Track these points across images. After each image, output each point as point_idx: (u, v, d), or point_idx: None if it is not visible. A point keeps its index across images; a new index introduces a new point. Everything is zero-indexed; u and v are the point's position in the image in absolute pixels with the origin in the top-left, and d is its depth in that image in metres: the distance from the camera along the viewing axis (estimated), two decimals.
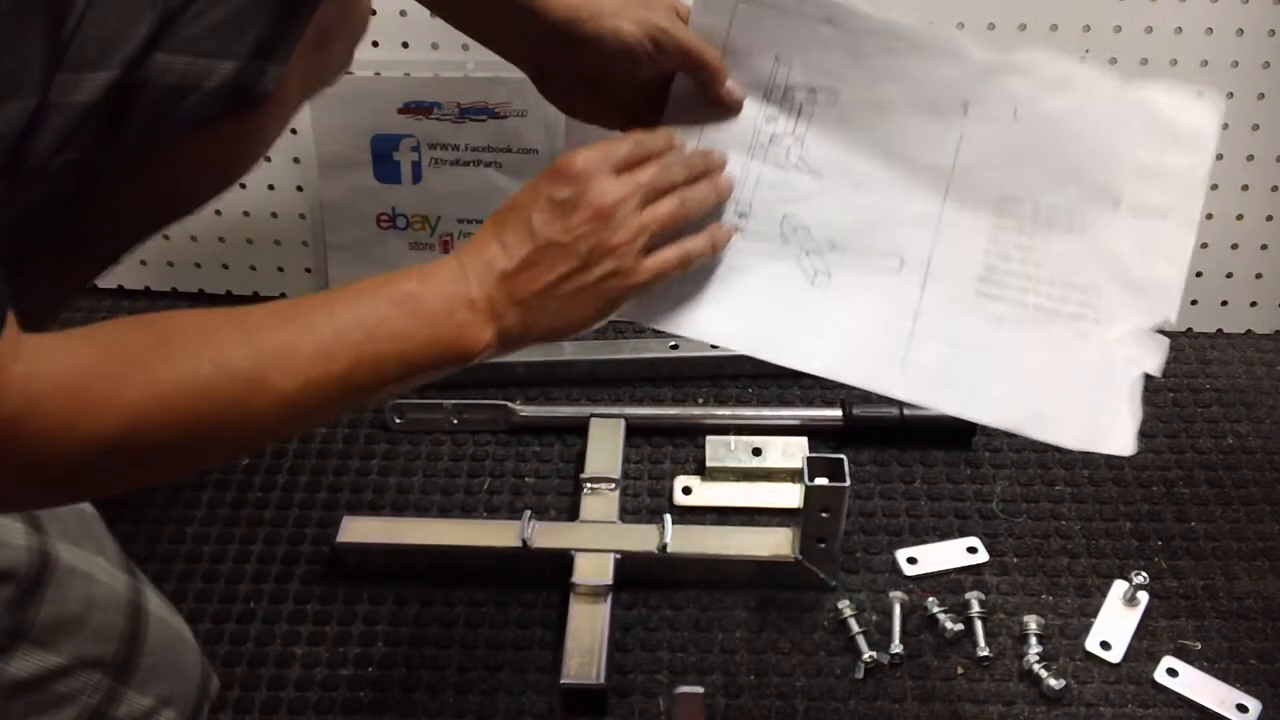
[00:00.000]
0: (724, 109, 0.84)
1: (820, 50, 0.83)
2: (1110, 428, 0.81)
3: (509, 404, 1.18)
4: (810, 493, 0.95)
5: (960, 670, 0.97)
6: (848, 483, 0.94)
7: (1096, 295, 0.82)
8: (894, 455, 1.15)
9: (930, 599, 1.01)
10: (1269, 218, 1.24)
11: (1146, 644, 0.98)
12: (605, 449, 1.13)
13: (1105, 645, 0.98)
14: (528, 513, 1.04)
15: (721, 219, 0.83)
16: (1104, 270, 0.82)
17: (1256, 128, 1.20)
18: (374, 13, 1.19)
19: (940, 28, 0.83)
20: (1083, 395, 0.81)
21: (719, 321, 0.83)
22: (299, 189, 1.29)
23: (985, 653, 0.97)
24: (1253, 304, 1.29)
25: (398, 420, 1.18)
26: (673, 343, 1.25)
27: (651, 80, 0.83)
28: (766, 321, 0.83)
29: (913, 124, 0.83)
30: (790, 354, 0.83)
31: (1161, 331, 0.82)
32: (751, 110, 0.84)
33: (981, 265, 0.83)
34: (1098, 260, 0.82)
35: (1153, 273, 0.82)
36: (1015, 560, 1.05)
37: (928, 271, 0.83)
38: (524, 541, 1.02)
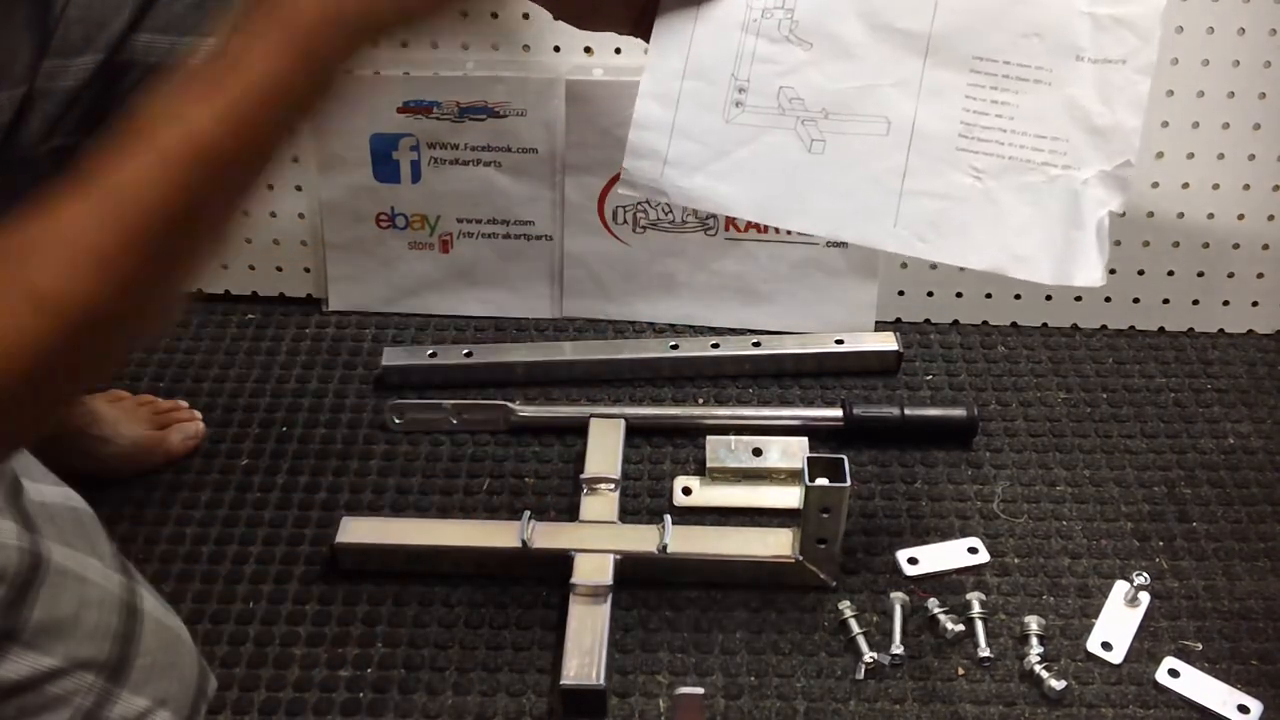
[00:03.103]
0: None
1: None
2: (1081, 263, 0.89)
3: (509, 404, 1.17)
4: (810, 493, 0.94)
5: (961, 671, 0.96)
6: (848, 483, 0.94)
7: (1064, 143, 0.89)
8: (894, 455, 1.15)
9: (931, 600, 1.00)
10: (1270, 217, 1.24)
11: (1148, 645, 0.98)
12: (605, 449, 1.13)
13: (1106, 646, 0.98)
14: (527, 513, 1.03)
15: (724, 94, 0.90)
16: (1070, 119, 0.89)
17: (1258, 127, 1.19)
18: None
19: None
20: (1056, 235, 0.89)
21: (726, 192, 0.90)
22: (298, 188, 1.29)
23: (986, 653, 0.97)
24: (1254, 304, 1.29)
25: (397, 420, 1.18)
26: (673, 343, 1.24)
27: None
28: (769, 189, 0.90)
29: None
30: (792, 218, 0.91)
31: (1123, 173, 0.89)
32: None
33: (960, 122, 0.90)
34: (1064, 110, 0.89)
35: (1114, 118, 0.89)
36: (1016, 561, 1.05)
37: (913, 132, 0.90)
38: (524, 542, 1.01)
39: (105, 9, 0.67)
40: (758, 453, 1.12)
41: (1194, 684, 0.95)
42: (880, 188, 0.90)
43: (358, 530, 1.04)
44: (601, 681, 0.92)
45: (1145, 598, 1.01)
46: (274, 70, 0.60)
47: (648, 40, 0.92)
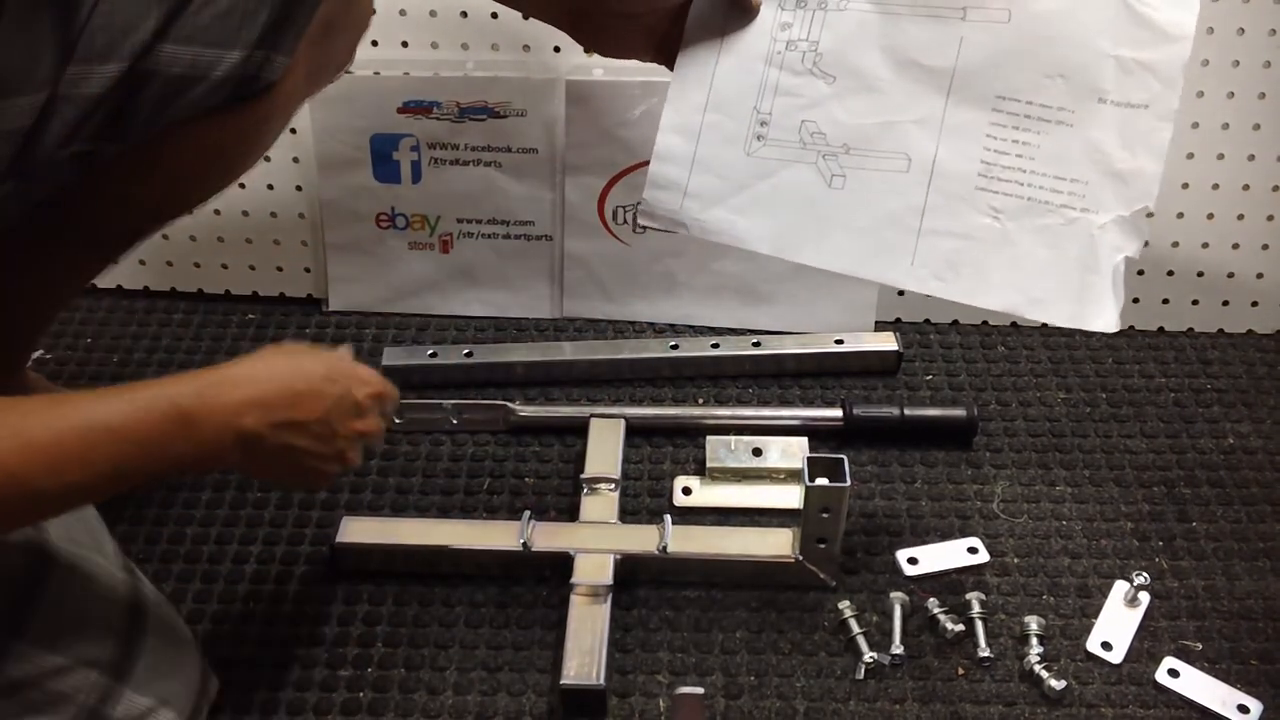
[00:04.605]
0: (745, 14, 0.90)
1: None
2: (1096, 308, 0.90)
3: (509, 404, 1.17)
4: (810, 493, 0.94)
5: (961, 671, 0.96)
6: (848, 483, 0.94)
7: (1084, 185, 0.89)
8: (894, 455, 1.15)
9: (931, 599, 1.00)
10: (1270, 217, 1.24)
11: (1148, 644, 0.98)
12: (605, 449, 1.13)
13: (1106, 646, 0.98)
14: (527, 513, 1.03)
15: (746, 128, 0.90)
16: (1090, 162, 0.89)
17: (1257, 127, 1.20)
18: (374, 11, 1.20)
19: None
20: (1072, 279, 0.89)
21: (745, 226, 0.91)
22: (298, 188, 1.29)
23: (986, 653, 0.97)
24: (1254, 304, 1.29)
25: (397, 420, 1.18)
26: (673, 343, 1.24)
27: (680, 5, 0.90)
28: (788, 224, 0.91)
29: (916, 29, 0.89)
30: (809, 255, 0.91)
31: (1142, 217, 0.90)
32: (768, 19, 0.90)
33: (980, 161, 0.89)
34: (1085, 152, 0.89)
35: (1134, 163, 0.89)
36: (1016, 561, 1.05)
37: (933, 170, 0.90)
38: (524, 542, 1.01)
39: (130, 17, 0.67)
40: (758, 453, 1.12)
41: (1194, 684, 0.95)
42: (899, 226, 0.90)
43: (358, 530, 1.04)
44: (601, 681, 0.92)
45: (1145, 598, 1.01)
46: (127, 442, 0.67)
47: (670, 67, 0.92)
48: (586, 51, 0.98)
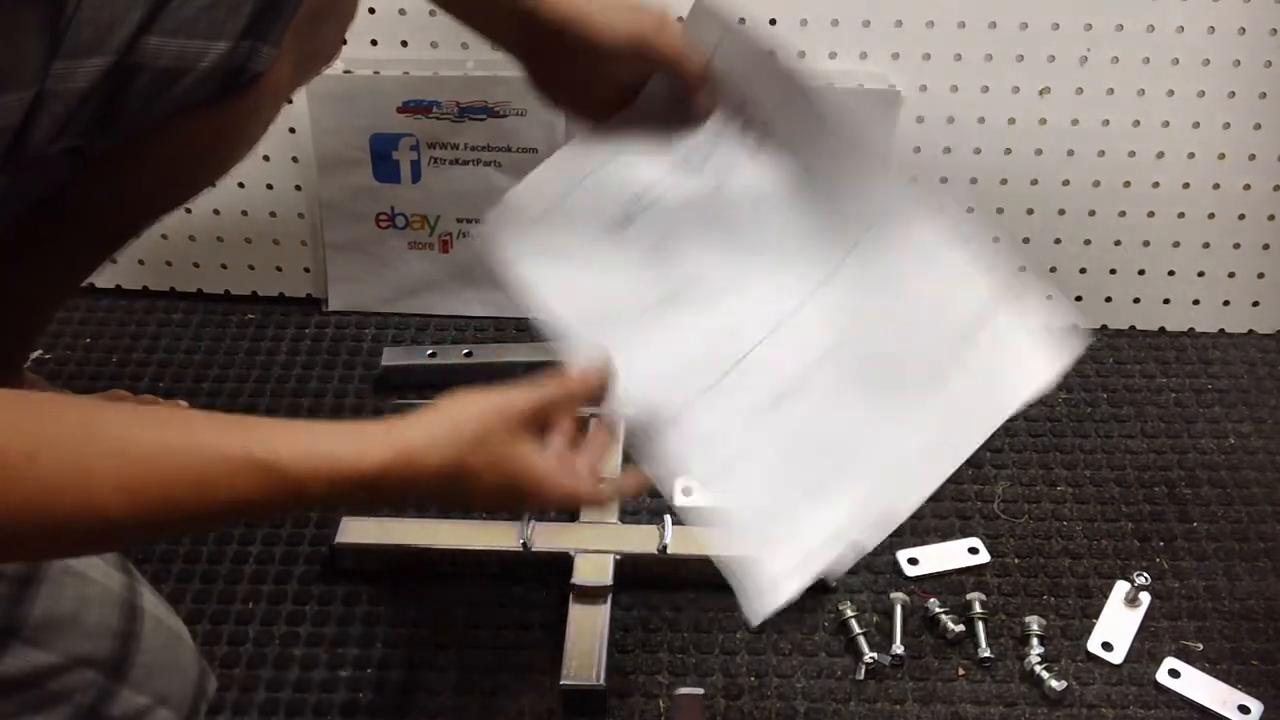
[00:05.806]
0: (692, 118, 0.85)
1: (784, 112, 0.83)
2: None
3: None
4: None
5: (961, 671, 0.96)
6: None
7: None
8: None
9: (931, 600, 1.00)
10: (1271, 217, 1.24)
11: (1148, 645, 0.98)
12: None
13: (1107, 646, 0.98)
14: (527, 514, 1.03)
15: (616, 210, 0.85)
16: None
17: (1259, 127, 1.19)
18: (372, 11, 1.20)
19: (875, 145, 0.84)
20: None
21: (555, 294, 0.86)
22: (298, 188, 1.29)
23: (986, 654, 0.96)
24: (1255, 304, 1.29)
25: None
26: None
27: (633, 81, 0.85)
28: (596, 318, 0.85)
29: (816, 228, 0.83)
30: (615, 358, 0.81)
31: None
32: (712, 127, 0.86)
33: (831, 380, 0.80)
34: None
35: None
36: (1017, 561, 1.05)
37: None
38: (524, 543, 1.01)
39: (116, 11, 0.68)
40: None
41: (1195, 684, 0.95)
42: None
43: (357, 530, 1.04)
44: (601, 682, 0.92)
45: (1146, 598, 1.01)
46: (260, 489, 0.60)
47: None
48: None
